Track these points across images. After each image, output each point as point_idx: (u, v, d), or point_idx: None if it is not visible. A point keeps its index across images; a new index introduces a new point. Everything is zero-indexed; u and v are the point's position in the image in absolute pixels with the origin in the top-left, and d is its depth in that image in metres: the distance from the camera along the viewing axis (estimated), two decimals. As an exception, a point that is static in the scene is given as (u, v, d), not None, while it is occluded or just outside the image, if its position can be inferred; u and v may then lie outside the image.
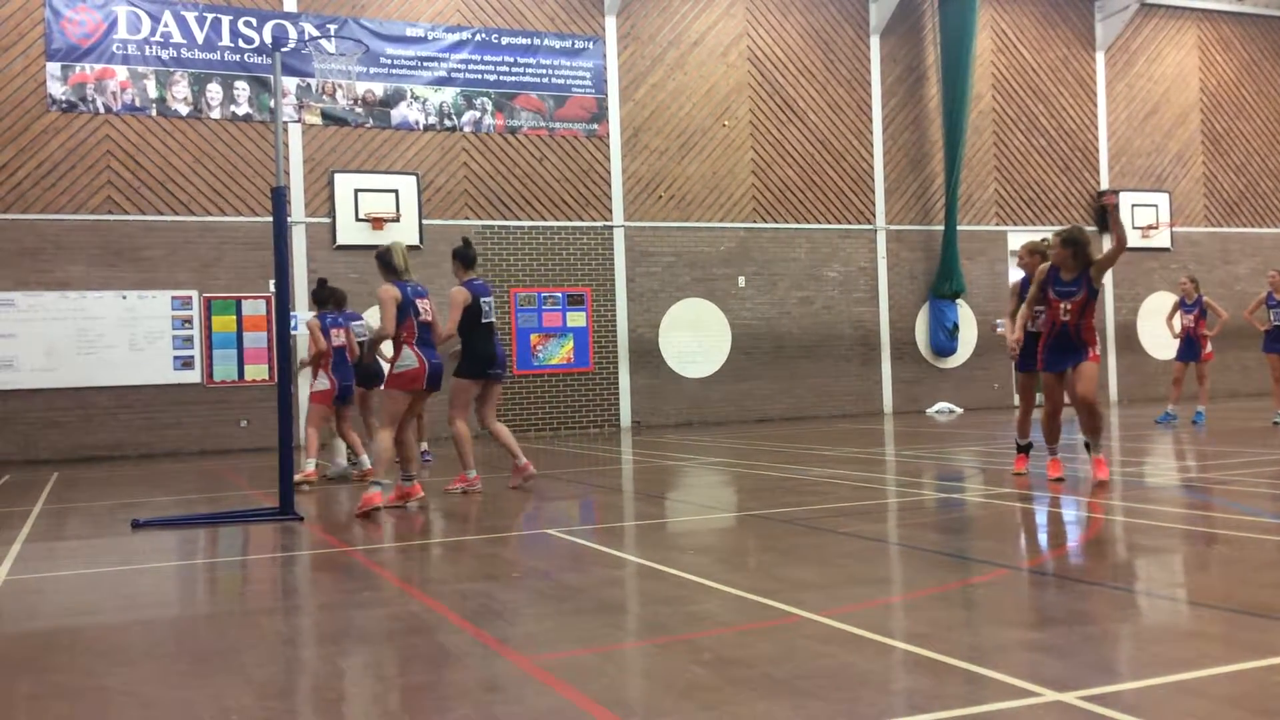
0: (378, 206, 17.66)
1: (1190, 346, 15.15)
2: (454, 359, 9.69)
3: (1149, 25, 23.34)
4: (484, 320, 9.47)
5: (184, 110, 16.92)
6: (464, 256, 9.53)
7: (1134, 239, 22.52)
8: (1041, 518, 7.53)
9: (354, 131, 17.84)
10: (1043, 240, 9.16)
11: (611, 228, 19.21)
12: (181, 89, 16.91)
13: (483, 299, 9.50)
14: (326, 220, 17.59)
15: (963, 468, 10.95)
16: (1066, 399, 8.80)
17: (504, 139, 18.66)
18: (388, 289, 8.47)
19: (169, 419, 16.66)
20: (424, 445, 13.74)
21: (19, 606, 5.63)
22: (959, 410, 20.86)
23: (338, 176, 17.61)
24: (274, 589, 6.11)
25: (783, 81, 20.44)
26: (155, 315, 16.68)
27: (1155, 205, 22.89)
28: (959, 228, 21.05)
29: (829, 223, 20.68)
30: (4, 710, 3.80)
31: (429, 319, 8.70)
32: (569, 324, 18.74)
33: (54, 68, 16.30)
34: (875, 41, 21.11)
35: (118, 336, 16.45)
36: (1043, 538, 6.85)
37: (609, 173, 19.25)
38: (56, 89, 16.30)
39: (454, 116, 18.36)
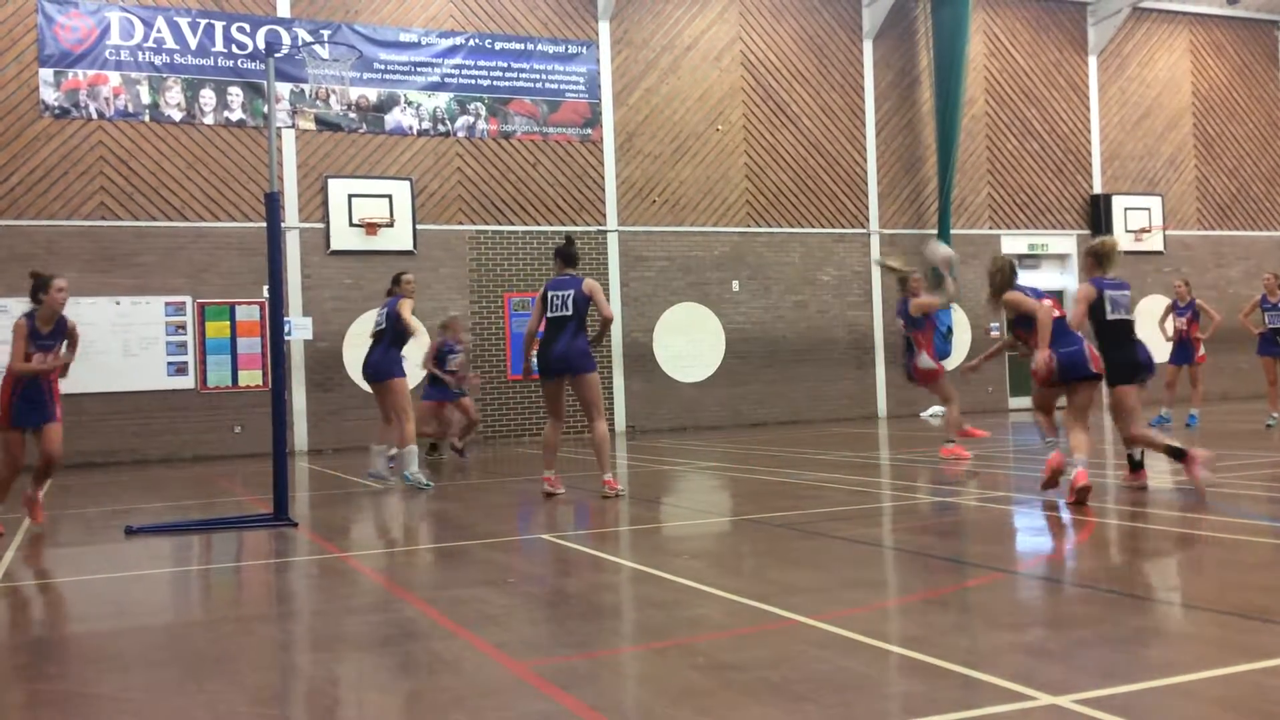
0: (371, 211, 17.65)
1: (1184, 349, 15.18)
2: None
3: (1141, 29, 23.41)
4: (549, 315, 9.25)
5: (177, 116, 16.90)
6: (560, 254, 9.42)
7: (1127, 242, 22.59)
8: (1036, 522, 7.53)
9: (348, 137, 17.83)
10: (1099, 242, 8.57)
11: (605, 232, 19.21)
12: (175, 94, 16.89)
13: (550, 292, 9.29)
14: (320, 225, 17.58)
15: (957, 471, 10.96)
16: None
17: (498, 144, 18.66)
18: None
19: (162, 425, 16.62)
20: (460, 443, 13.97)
21: (12, 614, 5.62)
22: (953, 414, 20.84)
23: (331, 182, 17.60)
24: (268, 595, 6.10)
25: (776, 86, 20.46)
26: (149, 321, 16.64)
27: (1148, 209, 22.94)
28: (952, 232, 21.07)
29: (822, 227, 20.70)
30: (-3, 718, 3.79)
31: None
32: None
33: (47, 73, 16.27)
34: (868, 46, 21.14)
35: (111, 342, 16.41)
36: (1037, 542, 6.86)
37: (603, 177, 19.25)
38: (49, 95, 16.27)
39: (448, 121, 18.35)
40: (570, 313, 9.15)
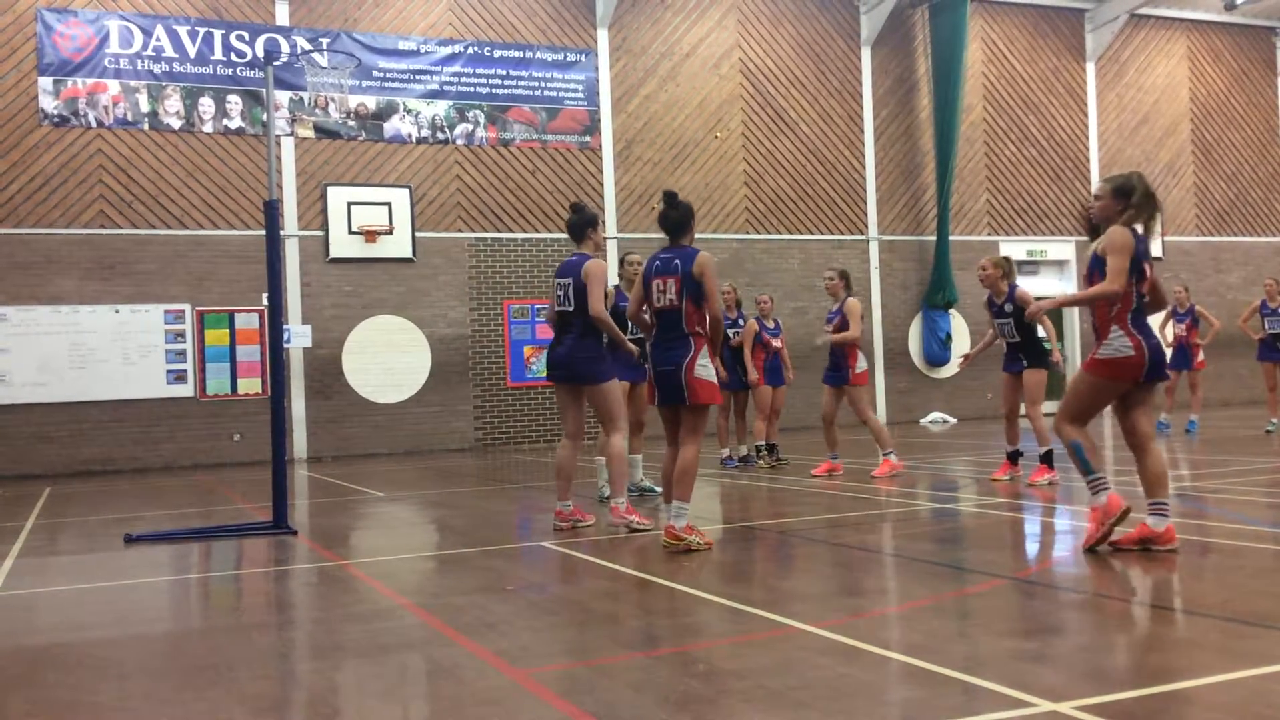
0: (370, 219, 17.66)
1: (1183, 355, 15.19)
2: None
3: (1139, 36, 23.45)
4: (556, 309, 7.46)
5: (176, 124, 16.92)
6: (567, 226, 7.68)
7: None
8: (1035, 528, 7.53)
9: (346, 145, 17.84)
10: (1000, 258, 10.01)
11: (605, 240, 19.18)
12: (174, 103, 16.91)
13: (559, 279, 7.50)
14: (319, 233, 17.59)
15: (957, 478, 10.96)
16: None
17: (496, 151, 18.68)
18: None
19: (162, 433, 16.62)
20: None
21: (12, 622, 5.61)
22: (953, 420, 20.85)
23: (330, 190, 17.61)
24: (268, 603, 6.09)
25: (774, 93, 20.49)
26: (148, 329, 16.65)
27: (1146, 215, 22.96)
28: (951, 238, 21.09)
29: (821, 233, 20.72)
30: (-4, 727, 3.79)
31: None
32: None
33: (46, 82, 16.30)
34: (866, 53, 21.18)
35: (110, 350, 16.42)
36: (1036, 548, 6.85)
37: (601, 185, 19.27)
38: (49, 103, 16.29)
39: (446, 129, 18.37)
40: (571, 307, 7.33)
